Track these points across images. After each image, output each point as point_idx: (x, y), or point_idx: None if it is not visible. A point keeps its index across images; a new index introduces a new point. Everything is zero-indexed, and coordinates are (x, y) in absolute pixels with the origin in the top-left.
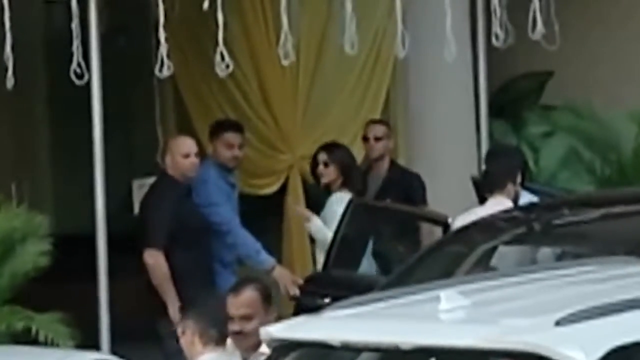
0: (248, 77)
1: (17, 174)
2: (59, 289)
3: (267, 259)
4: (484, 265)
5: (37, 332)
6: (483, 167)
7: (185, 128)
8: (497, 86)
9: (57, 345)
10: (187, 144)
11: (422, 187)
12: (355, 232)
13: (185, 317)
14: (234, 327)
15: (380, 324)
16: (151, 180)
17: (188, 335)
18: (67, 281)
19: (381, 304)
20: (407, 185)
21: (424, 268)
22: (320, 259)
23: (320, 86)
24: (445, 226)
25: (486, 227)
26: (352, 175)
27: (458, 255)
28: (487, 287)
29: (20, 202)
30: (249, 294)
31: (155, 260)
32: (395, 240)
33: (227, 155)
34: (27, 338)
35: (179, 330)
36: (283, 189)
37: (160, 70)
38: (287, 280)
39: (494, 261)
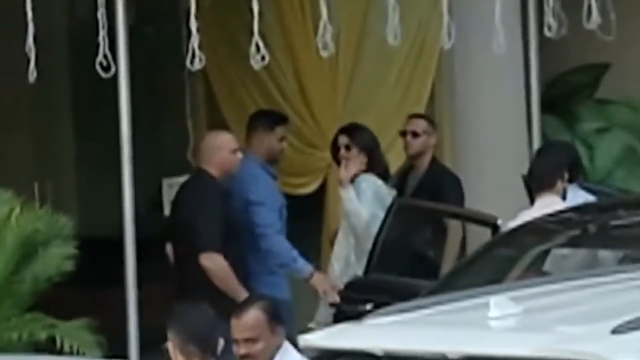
0: (284, 70)
1: (40, 173)
2: (84, 294)
3: (305, 267)
4: (536, 270)
5: (61, 341)
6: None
7: (217, 123)
8: (549, 80)
9: (83, 355)
10: (233, 140)
11: (456, 190)
12: (399, 234)
13: (168, 330)
14: (239, 350)
15: (426, 332)
16: (182, 179)
17: (171, 349)
18: (93, 287)
19: (427, 311)
20: (439, 187)
21: (472, 273)
22: (348, 240)
23: (361, 79)
24: (495, 228)
25: (538, 229)
26: (376, 158)
27: (508, 259)
28: (540, 293)
29: (43, 203)
30: (252, 315)
31: (215, 263)
32: (440, 243)
33: (278, 148)
34: (50, 348)
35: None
36: (322, 189)
37: (192, 62)
38: (326, 287)
39: (546, 265)
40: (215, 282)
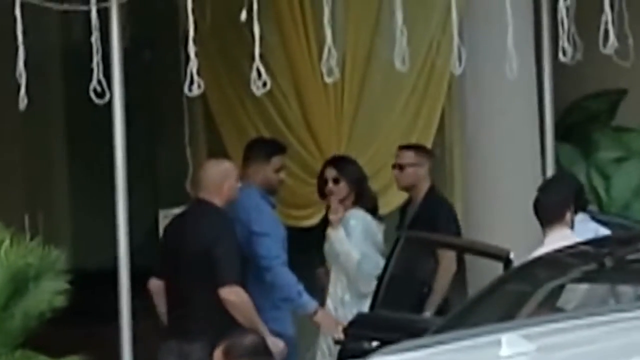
0: (287, 96)
1: (31, 203)
2: (77, 331)
3: (310, 303)
4: (549, 306)
5: None
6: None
7: (217, 151)
8: (564, 106)
9: None
10: (235, 168)
11: (449, 221)
12: (406, 268)
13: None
14: None
15: None
16: (179, 210)
17: None
18: (86, 322)
19: (435, 349)
20: (434, 219)
21: (483, 309)
22: (341, 280)
23: (367, 106)
24: (507, 262)
25: (552, 263)
26: (364, 192)
27: (521, 295)
28: (554, 331)
29: (34, 235)
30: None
31: (238, 296)
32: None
33: (275, 180)
34: None
35: None
36: (325, 220)
37: (190, 88)
38: (331, 324)
39: (560, 301)
40: (237, 315)
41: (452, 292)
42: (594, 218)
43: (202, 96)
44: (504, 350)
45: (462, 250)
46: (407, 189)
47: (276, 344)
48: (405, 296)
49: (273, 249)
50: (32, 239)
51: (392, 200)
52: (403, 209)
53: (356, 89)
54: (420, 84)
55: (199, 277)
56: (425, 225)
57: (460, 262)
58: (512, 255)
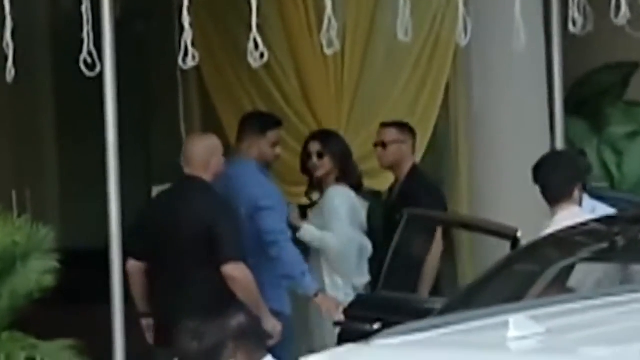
0: (285, 69)
1: (18, 180)
2: (67, 312)
3: (312, 284)
4: (559, 286)
5: None
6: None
7: (212, 126)
8: (574, 79)
9: None
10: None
11: (434, 199)
12: (409, 247)
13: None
14: None
15: (439, 355)
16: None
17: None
18: (76, 303)
19: (440, 331)
20: (415, 199)
21: (490, 289)
22: (328, 273)
23: (369, 79)
24: (515, 241)
25: (562, 242)
26: (349, 167)
27: (529, 275)
28: (563, 312)
29: (22, 213)
30: None
31: (242, 273)
32: (455, 257)
33: (271, 154)
34: None
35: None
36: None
37: (184, 60)
38: (332, 306)
39: (571, 281)
40: (239, 293)
41: (441, 272)
42: (596, 196)
43: (197, 69)
44: (512, 332)
45: (468, 228)
46: (390, 167)
47: (275, 327)
48: (409, 276)
49: (279, 223)
50: (19, 216)
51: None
52: (390, 189)
53: (357, 61)
54: (424, 56)
55: (197, 255)
56: (408, 205)
57: (449, 240)
58: (519, 234)
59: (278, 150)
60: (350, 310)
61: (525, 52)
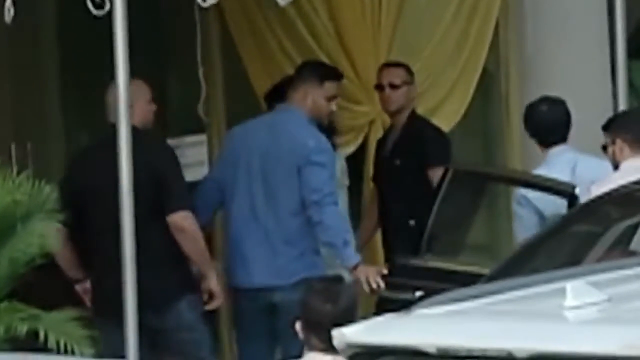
0: (316, 6)
1: (18, 132)
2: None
3: (353, 255)
4: (622, 249)
5: (45, 336)
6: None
7: (234, 72)
8: (636, 21)
9: (72, 354)
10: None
11: (440, 148)
12: (455, 207)
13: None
14: None
15: (488, 325)
16: (191, 138)
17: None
18: (83, 269)
19: (488, 299)
20: (420, 144)
21: (544, 253)
22: None
23: (409, 21)
24: (572, 198)
25: (624, 200)
26: None
27: (588, 236)
28: (627, 277)
29: (22, 168)
30: None
31: (192, 223)
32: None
33: (326, 108)
34: (32, 344)
35: None
36: (362, 149)
37: None
38: (373, 275)
39: (634, 243)
40: (187, 246)
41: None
42: None
43: (217, 7)
44: (570, 300)
45: (520, 184)
46: (396, 111)
47: (218, 295)
48: (454, 240)
49: (328, 183)
50: (19, 173)
51: (439, 125)
52: (382, 139)
53: (396, 1)
54: None
55: (141, 209)
56: (409, 151)
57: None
58: (577, 191)
59: (334, 105)
60: (389, 278)
61: None
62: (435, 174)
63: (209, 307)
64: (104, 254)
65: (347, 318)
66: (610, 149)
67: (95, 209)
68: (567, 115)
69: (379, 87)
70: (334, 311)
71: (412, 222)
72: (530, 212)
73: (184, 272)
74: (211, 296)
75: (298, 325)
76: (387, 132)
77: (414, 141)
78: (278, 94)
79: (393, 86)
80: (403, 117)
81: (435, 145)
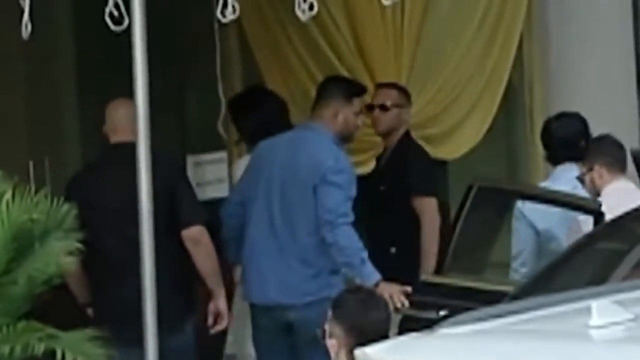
0: (337, 21)
1: (36, 149)
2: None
3: (372, 273)
4: None
5: (63, 356)
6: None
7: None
8: None
9: None
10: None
11: (425, 177)
12: (479, 224)
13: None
14: None
15: (512, 345)
16: (211, 156)
17: (334, 345)
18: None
19: (512, 319)
20: (404, 167)
21: (569, 271)
22: None
23: (432, 31)
24: (598, 215)
25: None
26: None
27: (614, 254)
28: None
29: (40, 186)
30: None
31: (207, 238)
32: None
33: (354, 124)
34: None
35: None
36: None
37: (223, 12)
38: (394, 290)
39: None
40: (201, 260)
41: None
42: None
43: (237, 22)
44: (595, 320)
45: (546, 202)
46: (386, 133)
47: (225, 316)
48: (479, 257)
49: (343, 205)
50: (37, 191)
51: (461, 143)
52: (378, 159)
53: (418, 12)
54: (495, 5)
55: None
56: (396, 175)
57: (445, 214)
58: (604, 208)
59: (360, 120)
60: (413, 296)
61: (609, 1)
62: (420, 204)
63: (215, 329)
64: (112, 273)
65: (387, 328)
66: (587, 178)
67: (100, 229)
68: (580, 133)
69: (370, 108)
70: (382, 318)
71: (393, 250)
72: (525, 225)
73: (191, 294)
74: (217, 317)
75: (329, 342)
76: (381, 154)
77: (400, 167)
78: (240, 105)
79: (383, 107)
80: (394, 140)
81: (421, 173)
